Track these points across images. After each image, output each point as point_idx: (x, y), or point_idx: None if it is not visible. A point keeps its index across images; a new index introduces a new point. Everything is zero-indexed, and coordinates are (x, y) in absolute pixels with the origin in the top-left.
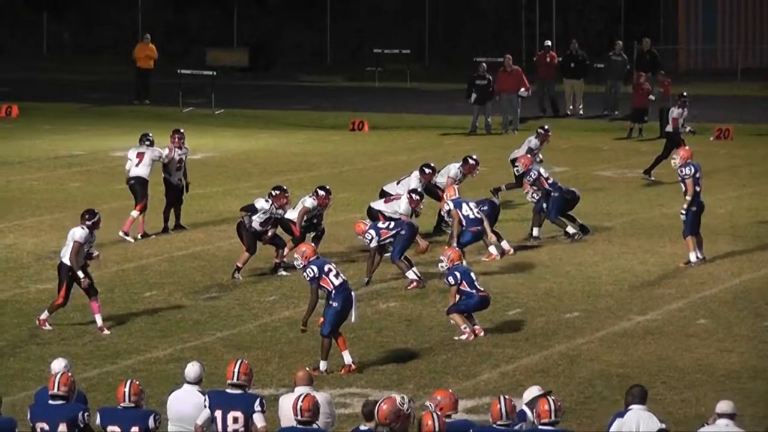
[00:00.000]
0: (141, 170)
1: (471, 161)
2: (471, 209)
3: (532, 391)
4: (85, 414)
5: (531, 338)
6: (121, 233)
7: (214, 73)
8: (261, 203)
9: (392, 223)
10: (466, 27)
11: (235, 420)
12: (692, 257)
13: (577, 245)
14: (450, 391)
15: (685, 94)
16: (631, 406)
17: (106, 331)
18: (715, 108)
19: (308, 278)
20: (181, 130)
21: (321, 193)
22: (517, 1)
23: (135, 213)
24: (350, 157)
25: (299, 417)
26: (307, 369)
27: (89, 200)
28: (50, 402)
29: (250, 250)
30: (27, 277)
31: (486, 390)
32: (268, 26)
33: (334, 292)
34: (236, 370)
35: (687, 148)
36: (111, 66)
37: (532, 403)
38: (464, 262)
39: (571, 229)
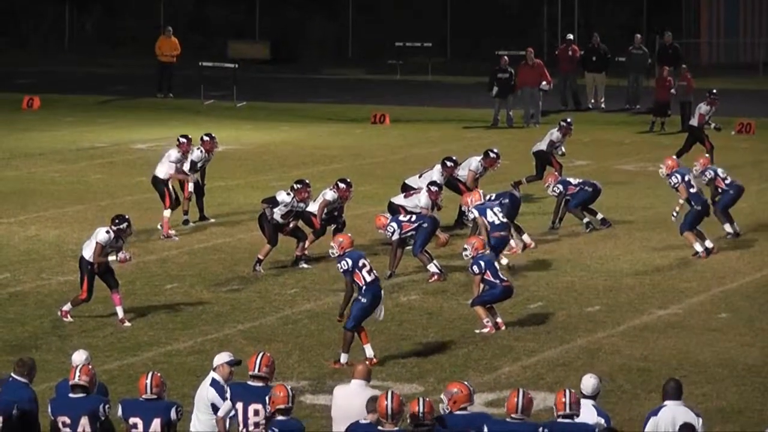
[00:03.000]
0: (157, 169)
1: (492, 154)
2: (496, 214)
3: (591, 380)
4: (106, 406)
5: (552, 332)
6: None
7: (236, 65)
8: (282, 196)
9: (414, 216)
10: (488, 20)
11: (256, 412)
12: (697, 247)
13: (598, 239)
14: (465, 383)
15: (714, 91)
16: (665, 402)
17: (127, 323)
18: (737, 102)
19: (341, 270)
20: (213, 136)
21: (342, 185)
22: None
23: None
24: (371, 150)
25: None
26: (367, 363)
27: (111, 192)
28: (71, 395)
29: (272, 242)
30: (48, 269)
31: (507, 383)
32: (289, 19)
33: (364, 287)
34: (258, 362)
35: (673, 157)
36: (133, 58)
37: (593, 392)
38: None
39: (587, 220)
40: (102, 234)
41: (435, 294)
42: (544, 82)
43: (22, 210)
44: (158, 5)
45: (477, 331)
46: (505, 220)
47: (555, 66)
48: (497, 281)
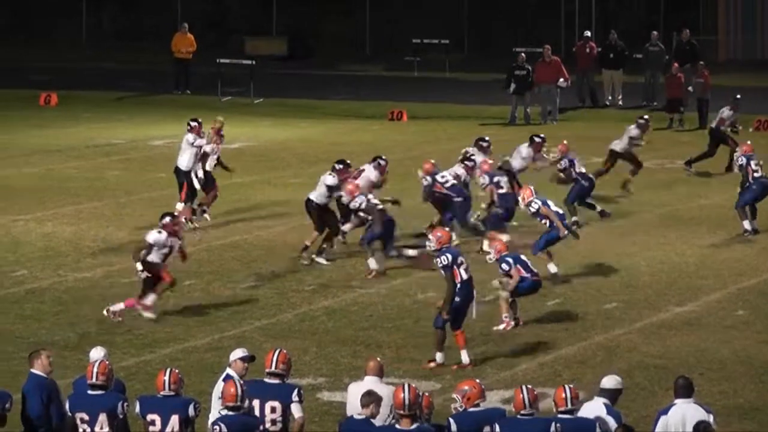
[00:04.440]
0: (179, 160)
1: (537, 139)
2: (555, 204)
3: (613, 379)
4: (124, 404)
5: (569, 329)
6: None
7: (253, 62)
8: (329, 180)
9: (449, 184)
10: (505, 17)
11: (273, 410)
12: (746, 225)
13: (615, 237)
14: (476, 380)
15: (738, 96)
16: (675, 401)
17: (117, 318)
18: (755, 99)
19: (441, 265)
20: (200, 121)
21: (382, 162)
22: None
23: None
24: (389, 146)
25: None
26: (379, 359)
27: (128, 189)
28: (89, 392)
29: (320, 230)
30: (65, 265)
31: (524, 380)
32: (307, 15)
33: (459, 285)
34: (275, 358)
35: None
36: (150, 55)
37: (612, 393)
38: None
39: (575, 219)
40: (153, 235)
41: None
42: (561, 79)
43: (39, 207)
44: (175, 2)
45: (494, 328)
46: (563, 210)
47: (572, 63)
48: (528, 275)
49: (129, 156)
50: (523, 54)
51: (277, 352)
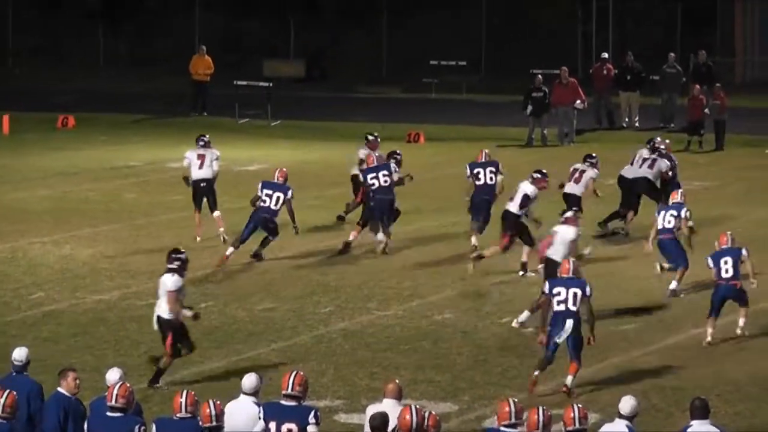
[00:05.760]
0: (206, 171)
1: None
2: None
3: (630, 402)
4: (142, 427)
5: (586, 350)
6: (224, 236)
7: (270, 84)
8: (529, 189)
9: None
10: (522, 39)
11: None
12: None
13: (630, 258)
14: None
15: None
16: (691, 422)
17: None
18: None
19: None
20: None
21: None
22: (574, 12)
23: (218, 213)
24: (406, 168)
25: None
26: (397, 382)
27: (145, 211)
28: (108, 413)
29: (511, 240)
30: (83, 287)
31: (541, 402)
32: (324, 37)
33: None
34: (291, 381)
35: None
36: (167, 77)
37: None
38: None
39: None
40: (169, 280)
41: (469, 312)
42: (578, 101)
43: (56, 229)
44: (192, 24)
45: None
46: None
47: (589, 84)
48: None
49: (146, 178)
50: (540, 76)
51: (293, 374)
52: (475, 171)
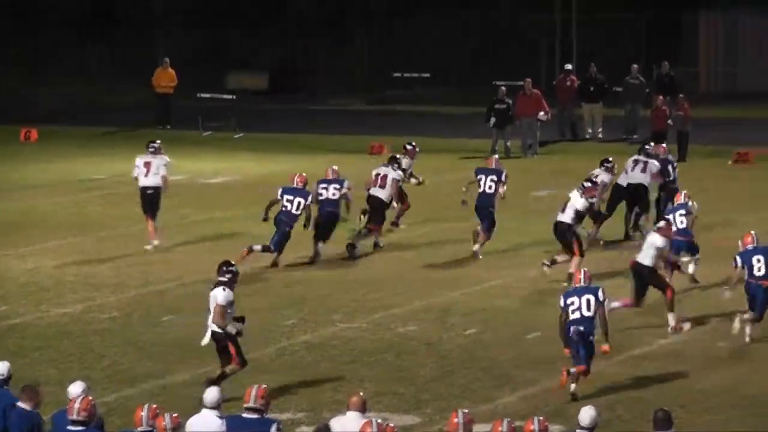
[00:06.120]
0: (153, 179)
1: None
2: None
3: (589, 412)
4: None
5: (551, 361)
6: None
7: (233, 96)
8: (580, 203)
9: None
10: (486, 51)
11: None
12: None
13: (599, 268)
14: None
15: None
16: None
17: None
18: (735, 131)
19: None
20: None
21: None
22: (539, 24)
23: (156, 224)
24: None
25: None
26: (361, 394)
27: (110, 224)
28: (69, 427)
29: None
30: (47, 300)
31: (504, 414)
32: (289, 50)
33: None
34: (254, 393)
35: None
36: (132, 90)
37: (590, 424)
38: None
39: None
40: (220, 294)
41: (434, 324)
42: (541, 113)
43: (21, 242)
44: (158, 37)
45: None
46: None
47: (553, 96)
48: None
49: (111, 191)
50: (503, 87)
51: (255, 387)
52: (478, 177)
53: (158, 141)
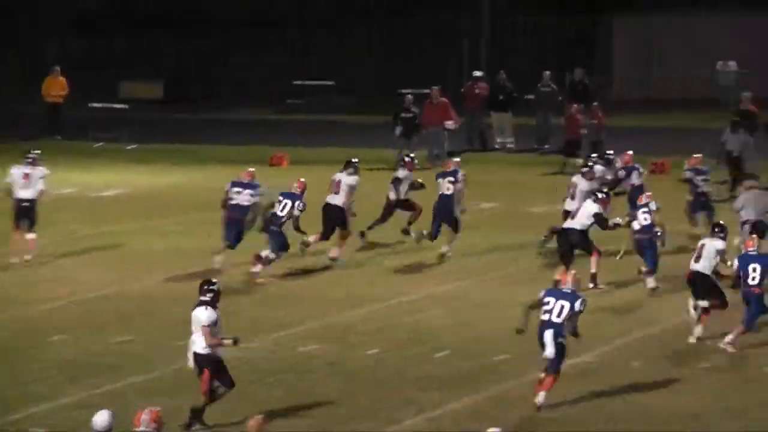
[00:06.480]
0: (30, 191)
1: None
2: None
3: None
4: None
5: (458, 381)
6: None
7: (126, 106)
8: (595, 207)
9: None
10: (393, 58)
11: None
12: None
13: (509, 285)
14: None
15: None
16: None
17: None
18: (650, 140)
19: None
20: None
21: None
22: (447, 31)
23: (33, 235)
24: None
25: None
26: (259, 418)
27: None
28: None
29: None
30: None
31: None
32: (186, 59)
33: None
34: (145, 417)
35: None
36: (19, 98)
37: None
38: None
39: None
40: (203, 314)
41: (337, 343)
42: (449, 121)
43: None
44: (46, 44)
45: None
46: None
47: (462, 104)
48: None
49: None
50: (410, 96)
51: (147, 410)
52: (438, 181)
53: (37, 151)
